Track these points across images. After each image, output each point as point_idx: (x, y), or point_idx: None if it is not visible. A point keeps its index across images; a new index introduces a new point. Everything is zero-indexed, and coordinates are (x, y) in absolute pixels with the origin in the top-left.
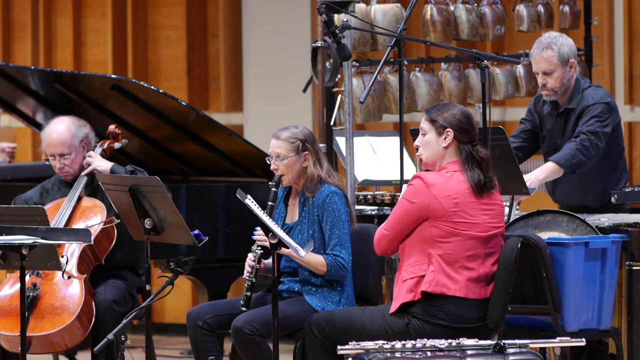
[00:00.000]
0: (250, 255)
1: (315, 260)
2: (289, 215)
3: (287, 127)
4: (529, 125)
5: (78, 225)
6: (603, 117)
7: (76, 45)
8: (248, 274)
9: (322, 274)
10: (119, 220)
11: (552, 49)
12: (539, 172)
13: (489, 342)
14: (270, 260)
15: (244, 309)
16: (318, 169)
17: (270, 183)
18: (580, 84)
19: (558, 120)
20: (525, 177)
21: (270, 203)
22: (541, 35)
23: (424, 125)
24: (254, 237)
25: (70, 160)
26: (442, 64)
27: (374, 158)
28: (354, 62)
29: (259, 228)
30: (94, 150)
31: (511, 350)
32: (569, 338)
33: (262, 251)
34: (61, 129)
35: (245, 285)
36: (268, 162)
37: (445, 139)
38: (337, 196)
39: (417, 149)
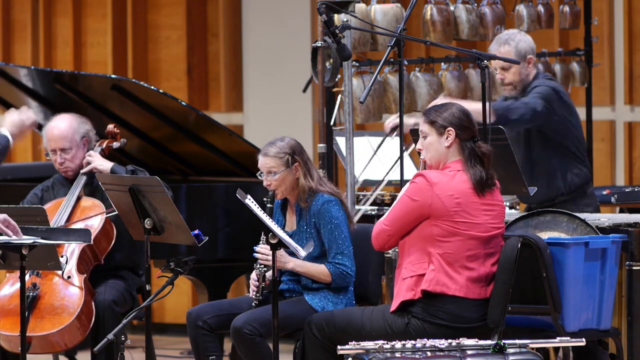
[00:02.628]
0: (253, 275)
1: (319, 270)
2: (287, 224)
3: (272, 141)
4: None
5: (77, 224)
6: (543, 96)
7: (76, 45)
8: (254, 294)
9: (328, 282)
10: (116, 212)
11: (510, 44)
12: (464, 101)
13: (489, 342)
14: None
15: None
16: (309, 181)
17: (264, 199)
18: (539, 77)
19: None
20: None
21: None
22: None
23: (424, 127)
24: (256, 255)
25: (71, 155)
26: (442, 64)
27: (374, 158)
28: (354, 62)
29: (260, 245)
30: (93, 149)
31: (511, 350)
32: (569, 338)
33: (265, 269)
34: (63, 124)
35: (252, 304)
36: (259, 177)
37: (447, 138)
38: (331, 204)
39: (419, 153)
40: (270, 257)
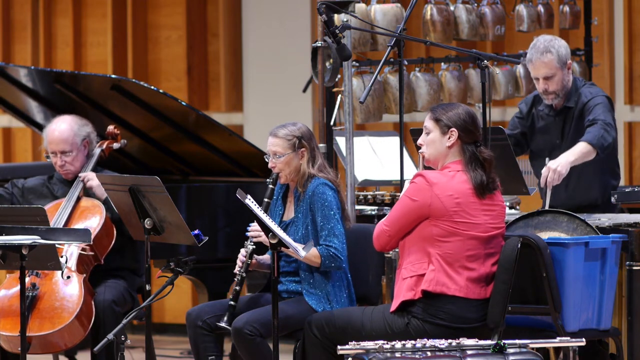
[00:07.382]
0: (242, 251)
1: (310, 253)
2: (286, 213)
3: (284, 124)
4: (520, 127)
5: (77, 225)
6: (608, 108)
7: (76, 45)
8: (239, 269)
9: (318, 265)
10: (110, 215)
11: (551, 52)
12: (568, 155)
13: (489, 342)
14: (264, 257)
15: (232, 302)
16: (310, 167)
17: (267, 180)
18: (578, 83)
19: (556, 120)
20: (554, 161)
21: (266, 200)
22: (535, 39)
23: (428, 124)
24: (248, 233)
25: (71, 158)
26: (442, 64)
27: (374, 158)
28: (354, 62)
29: (253, 223)
30: (94, 150)
31: (511, 350)
32: (569, 338)
33: (254, 247)
34: (63, 126)
35: (235, 279)
36: (266, 159)
37: (449, 138)
38: (326, 187)
39: (419, 147)
40: (261, 234)
